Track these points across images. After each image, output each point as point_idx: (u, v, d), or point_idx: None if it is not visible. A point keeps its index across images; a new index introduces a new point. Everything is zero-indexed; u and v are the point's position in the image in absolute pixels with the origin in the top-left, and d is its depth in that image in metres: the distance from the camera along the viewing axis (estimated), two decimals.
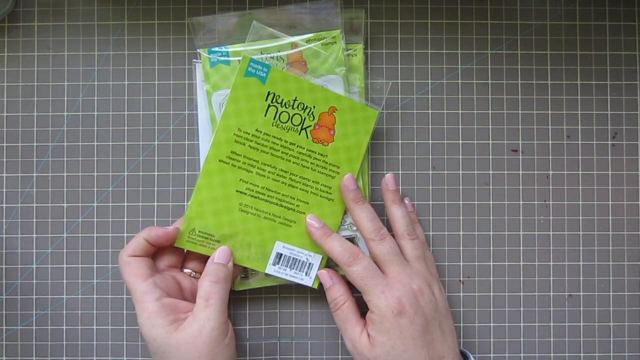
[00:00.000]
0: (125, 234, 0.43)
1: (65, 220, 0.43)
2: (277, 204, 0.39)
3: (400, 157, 0.43)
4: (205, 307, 0.36)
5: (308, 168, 0.39)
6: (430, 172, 0.43)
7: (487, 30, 0.43)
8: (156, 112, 0.43)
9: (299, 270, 0.40)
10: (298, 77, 0.39)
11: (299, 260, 0.40)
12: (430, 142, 0.43)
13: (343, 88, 0.40)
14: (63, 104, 0.43)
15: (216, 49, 0.40)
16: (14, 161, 0.43)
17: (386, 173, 0.43)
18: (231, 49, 0.40)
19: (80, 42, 0.43)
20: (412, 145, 0.43)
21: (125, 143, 0.43)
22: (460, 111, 0.43)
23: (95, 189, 0.43)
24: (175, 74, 0.43)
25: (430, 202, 0.43)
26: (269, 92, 0.39)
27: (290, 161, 0.39)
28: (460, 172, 0.43)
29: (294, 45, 0.40)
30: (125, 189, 0.43)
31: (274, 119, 0.39)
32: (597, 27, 0.44)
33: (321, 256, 0.40)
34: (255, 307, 0.43)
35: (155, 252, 0.39)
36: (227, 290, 0.37)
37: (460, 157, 0.43)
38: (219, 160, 0.39)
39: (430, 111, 0.43)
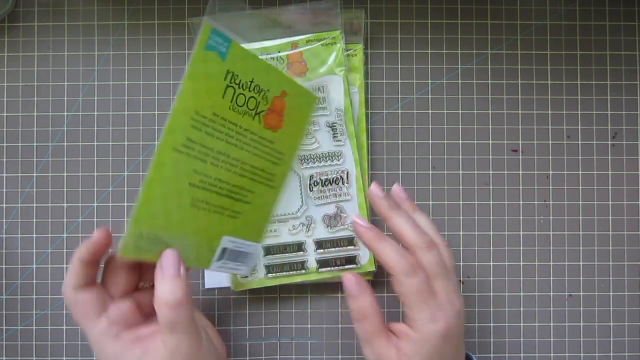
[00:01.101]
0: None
1: (65, 220, 0.43)
2: (226, 196, 0.36)
3: (400, 157, 0.43)
4: (171, 334, 0.31)
5: (258, 156, 0.36)
6: (430, 172, 0.43)
7: (487, 30, 0.43)
8: (156, 112, 0.43)
9: (241, 263, 0.38)
10: (256, 56, 0.36)
11: (241, 252, 0.38)
12: (430, 142, 0.43)
13: (343, 88, 0.40)
14: (63, 104, 0.43)
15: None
16: (14, 161, 0.43)
17: (386, 172, 0.43)
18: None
19: (80, 42, 0.43)
20: (412, 145, 0.43)
21: (125, 143, 0.43)
22: (460, 111, 0.43)
23: (95, 189, 0.43)
24: (175, 74, 0.43)
25: (430, 202, 0.43)
26: (227, 71, 0.34)
27: (242, 149, 0.36)
28: (460, 172, 0.43)
29: (294, 45, 0.40)
30: (125, 189, 0.43)
31: (231, 101, 0.35)
32: (597, 27, 0.44)
33: (259, 244, 0.38)
34: (255, 307, 0.43)
35: (106, 277, 0.34)
36: (191, 304, 0.32)
37: (460, 157, 0.43)
38: (174, 149, 0.33)
39: (430, 111, 0.43)
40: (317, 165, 0.41)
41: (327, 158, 0.41)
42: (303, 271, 0.41)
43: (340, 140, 0.41)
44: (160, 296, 0.31)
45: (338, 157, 0.41)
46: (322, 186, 0.41)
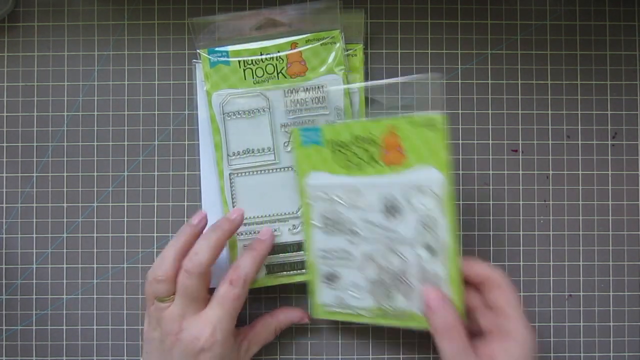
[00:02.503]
0: (125, 234, 0.43)
1: (65, 220, 0.43)
2: None
3: None
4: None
5: None
6: None
7: (487, 30, 0.43)
8: (156, 112, 0.43)
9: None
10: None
11: None
12: None
13: (343, 88, 0.40)
14: (63, 104, 0.43)
15: (216, 49, 0.40)
16: (14, 161, 0.43)
17: None
18: (231, 49, 0.40)
19: (80, 42, 0.43)
20: None
21: (125, 143, 0.43)
22: (460, 111, 0.43)
23: (95, 189, 0.43)
24: (175, 74, 0.43)
25: None
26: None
27: None
28: (461, 172, 0.43)
29: (293, 45, 0.41)
30: (125, 189, 0.43)
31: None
32: (597, 27, 0.44)
33: None
34: (255, 307, 0.43)
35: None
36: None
37: (460, 157, 0.43)
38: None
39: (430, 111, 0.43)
40: None
41: None
42: (303, 270, 0.41)
43: None
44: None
45: None
46: None
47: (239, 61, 0.40)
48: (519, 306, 0.34)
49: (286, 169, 0.41)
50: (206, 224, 0.39)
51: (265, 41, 0.41)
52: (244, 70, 0.41)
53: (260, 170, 0.41)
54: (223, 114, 0.41)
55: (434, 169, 0.34)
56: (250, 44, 0.41)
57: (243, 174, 0.41)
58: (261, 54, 0.40)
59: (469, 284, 0.36)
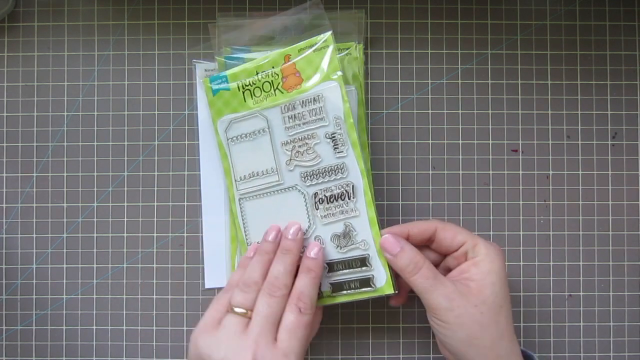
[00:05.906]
0: (125, 234, 0.43)
1: (65, 220, 0.43)
2: None
3: (400, 157, 0.43)
4: None
5: None
6: (430, 172, 0.43)
7: (487, 30, 0.43)
8: (156, 112, 0.43)
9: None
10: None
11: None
12: (430, 142, 0.43)
13: (341, 93, 0.38)
14: (63, 104, 0.43)
15: (216, 75, 0.40)
16: (14, 161, 0.43)
17: (385, 172, 0.43)
18: (229, 72, 0.40)
19: (80, 42, 0.43)
20: (412, 145, 0.43)
21: (125, 143, 0.43)
22: (460, 111, 0.43)
23: (95, 189, 0.43)
24: (175, 74, 0.43)
25: (430, 202, 0.43)
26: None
27: None
28: (460, 172, 0.43)
29: (286, 57, 0.40)
30: (125, 189, 0.43)
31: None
32: (597, 27, 0.44)
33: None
34: None
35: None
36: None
37: (460, 157, 0.43)
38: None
39: (430, 111, 0.43)
40: (321, 181, 0.39)
41: (331, 172, 0.38)
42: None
43: (342, 152, 0.38)
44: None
45: (342, 170, 0.38)
46: (328, 203, 0.38)
47: (238, 84, 0.40)
48: (470, 232, 0.36)
49: (290, 188, 0.39)
50: (281, 237, 0.38)
51: (257, 52, 0.41)
52: (243, 92, 0.40)
53: (266, 193, 0.40)
54: (227, 140, 0.40)
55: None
56: (245, 64, 0.40)
57: (250, 197, 0.40)
58: (257, 73, 0.40)
59: (420, 245, 0.38)
